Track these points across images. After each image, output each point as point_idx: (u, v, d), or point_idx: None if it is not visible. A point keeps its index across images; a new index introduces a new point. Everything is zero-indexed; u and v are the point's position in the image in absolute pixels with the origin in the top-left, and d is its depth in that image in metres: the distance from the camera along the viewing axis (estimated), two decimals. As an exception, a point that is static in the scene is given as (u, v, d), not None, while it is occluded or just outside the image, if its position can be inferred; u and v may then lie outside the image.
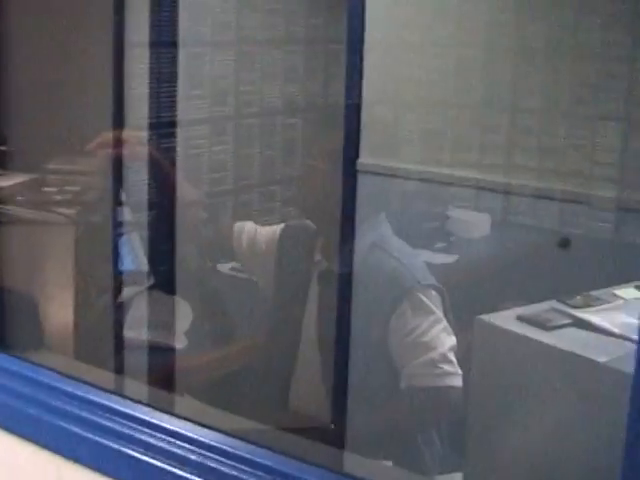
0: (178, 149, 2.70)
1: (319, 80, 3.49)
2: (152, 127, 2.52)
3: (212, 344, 2.52)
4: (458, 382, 2.07)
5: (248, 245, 2.43)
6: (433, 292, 2.15)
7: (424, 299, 2.13)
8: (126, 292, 2.30)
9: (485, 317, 1.87)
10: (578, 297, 1.90)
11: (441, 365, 2.08)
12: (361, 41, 2.25)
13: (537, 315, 1.84)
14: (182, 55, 2.74)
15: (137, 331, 2.27)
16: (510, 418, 1.77)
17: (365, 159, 2.23)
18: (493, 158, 3.72)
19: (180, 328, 2.39)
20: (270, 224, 2.51)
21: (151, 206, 2.42)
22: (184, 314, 2.43)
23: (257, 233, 2.44)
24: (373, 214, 2.26)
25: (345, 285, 2.12)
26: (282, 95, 3.39)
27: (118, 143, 2.27)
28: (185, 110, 2.94)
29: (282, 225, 2.44)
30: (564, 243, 2.67)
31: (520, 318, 1.86)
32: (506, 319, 1.86)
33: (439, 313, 2.13)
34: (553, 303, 1.90)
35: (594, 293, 1.94)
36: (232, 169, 3.26)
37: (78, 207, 2.17)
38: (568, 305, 1.87)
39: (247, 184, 3.35)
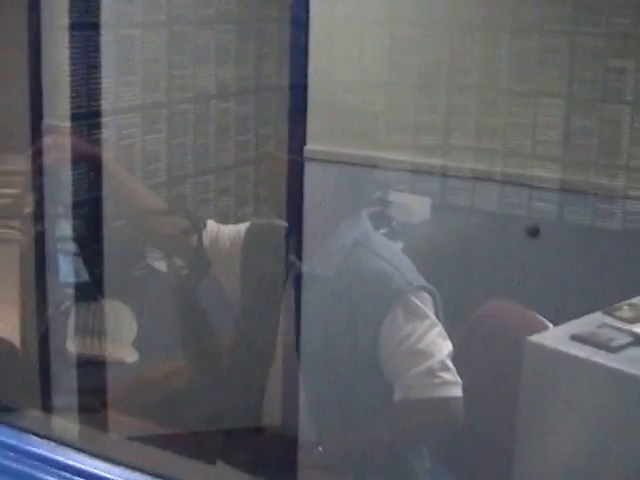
0: (108, 140, 2.53)
1: (259, 61, 3.34)
2: (75, 118, 2.33)
3: (167, 355, 2.30)
4: (458, 392, 1.90)
5: (210, 246, 2.22)
6: (425, 294, 1.98)
7: (417, 302, 1.95)
8: (65, 305, 2.10)
9: (535, 338, 1.66)
10: (625, 307, 1.72)
11: (440, 374, 1.90)
12: (307, 20, 2.14)
13: (593, 333, 1.64)
14: (109, 38, 2.57)
15: (78, 346, 2.08)
16: (579, 456, 1.57)
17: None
18: (431, 139, 3.61)
19: (126, 339, 2.20)
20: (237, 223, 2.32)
21: (88, 209, 2.22)
22: (128, 323, 2.23)
23: (219, 232, 2.24)
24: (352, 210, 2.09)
25: (295, 286, 1.98)
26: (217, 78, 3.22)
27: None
28: (113, 98, 2.76)
29: (247, 223, 2.24)
30: (533, 232, 2.50)
31: (574, 338, 1.67)
32: (558, 339, 1.65)
33: (433, 317, 1.96)
34: (600, 316, 1.70)
35: (636, 302, 1.75)
36: (166, 159, 3.07)
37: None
38: (617, 318, 1.68)
39: (183, 174, 3.16)
